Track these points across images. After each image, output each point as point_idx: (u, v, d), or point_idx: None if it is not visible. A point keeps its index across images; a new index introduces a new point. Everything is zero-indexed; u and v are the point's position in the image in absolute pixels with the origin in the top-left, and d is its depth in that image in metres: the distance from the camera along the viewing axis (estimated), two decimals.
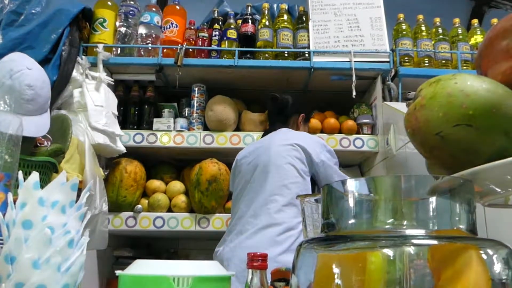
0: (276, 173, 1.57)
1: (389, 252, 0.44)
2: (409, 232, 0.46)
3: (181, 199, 2.03)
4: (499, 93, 0.52)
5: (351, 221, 0.49)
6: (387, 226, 0.47)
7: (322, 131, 2.10)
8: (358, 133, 2.10)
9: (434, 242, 0.45)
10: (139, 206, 1.98)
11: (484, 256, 0.45)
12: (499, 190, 0.54)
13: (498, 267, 0.45)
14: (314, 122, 2.08)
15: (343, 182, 0.50)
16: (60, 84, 1.78)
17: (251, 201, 1.58)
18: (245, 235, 1.51)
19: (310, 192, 1.56)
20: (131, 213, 1.96)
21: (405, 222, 0.47)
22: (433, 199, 0.47)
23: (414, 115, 0.55)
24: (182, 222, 1.96)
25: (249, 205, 1.58)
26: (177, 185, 2.09)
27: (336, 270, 0.47)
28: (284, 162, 1.58)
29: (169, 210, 2.03)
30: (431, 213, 0.47)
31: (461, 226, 0.47)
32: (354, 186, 0.50)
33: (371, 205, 0.49)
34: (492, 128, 0.50)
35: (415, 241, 0.45)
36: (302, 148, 1.61)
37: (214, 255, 1.61)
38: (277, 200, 1.53)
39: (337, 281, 0.46)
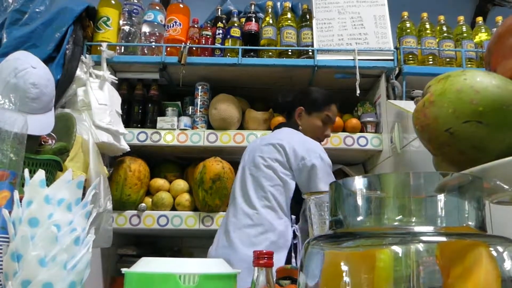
0: (255, 175, 1.57)
1: (397, 249, 0.44)
2: (418, 229, 0.45)
3: (185, 198, 2.03)
4: (509, 89, 0.51)
5: (359, 218, 0.49)
6: (395, 223, 0.46)
7: None
8: (362, 131, 2.09)
9: (443, 238, 0.45)
10: (143, 204, 1.98)
11: (494, 253, 0.44)
12: (507, 187, 0.53)
13: (508, 264, 0.44)
14: None
15: (351, 180, 0.50)
16: (64, 82, 1.78)
17: (235, 201, 1.59)
18: (227, 235, 1.53)
19: (291, 196, 1.53)
20: (135, 212, 1.97)
21: (413, 219, 0.46)
22: (441, 196, 0.47)
23: (423, 112, 0.54)
24: (186, 220, 1.96)
25: (234, 206, 1.59)
26: (181, 184, 2.09)
27: (344, 267, 0.47)
28: (263, 164, 1.56)
29: (173, 208, 2.03)
30: (439, 210, 0.47)
31: (470, 223, 0.47)
32: (362, 183, 0.50)
33: (379, 202, 0.49)
34: (502, 125, 0.50)
35: (424, 238, 0.44)
36: (284, 150, 1.55)
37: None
38: (255, 202, 1.53)
39: (345, 279, 0.46)
